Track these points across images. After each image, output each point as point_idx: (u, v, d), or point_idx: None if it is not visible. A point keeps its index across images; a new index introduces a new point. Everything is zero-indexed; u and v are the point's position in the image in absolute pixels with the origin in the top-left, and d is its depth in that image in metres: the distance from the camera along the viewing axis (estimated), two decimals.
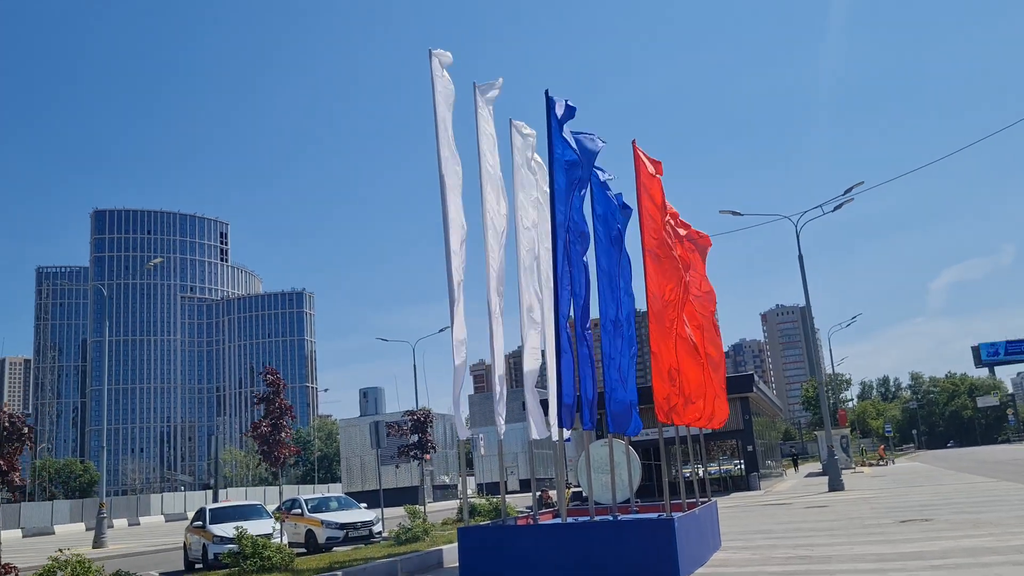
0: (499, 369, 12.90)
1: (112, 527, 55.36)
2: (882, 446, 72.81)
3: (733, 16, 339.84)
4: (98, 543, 31.34)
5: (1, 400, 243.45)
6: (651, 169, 13.34)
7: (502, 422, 13.09)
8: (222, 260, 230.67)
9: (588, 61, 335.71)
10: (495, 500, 25.49)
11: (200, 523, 18.68)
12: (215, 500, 50.03)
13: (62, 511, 55.06)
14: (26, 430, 11.36)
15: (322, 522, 20.14)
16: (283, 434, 14.65)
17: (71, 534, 49.05)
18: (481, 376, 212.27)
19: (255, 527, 15.33)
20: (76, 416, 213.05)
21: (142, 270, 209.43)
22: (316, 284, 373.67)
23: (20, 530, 50.58)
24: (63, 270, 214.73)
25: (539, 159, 15.01)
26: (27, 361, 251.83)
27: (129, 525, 57.59)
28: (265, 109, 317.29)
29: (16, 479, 11.00)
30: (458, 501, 27.73)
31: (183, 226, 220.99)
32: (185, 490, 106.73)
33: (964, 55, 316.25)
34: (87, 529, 47.62)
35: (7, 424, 10.78)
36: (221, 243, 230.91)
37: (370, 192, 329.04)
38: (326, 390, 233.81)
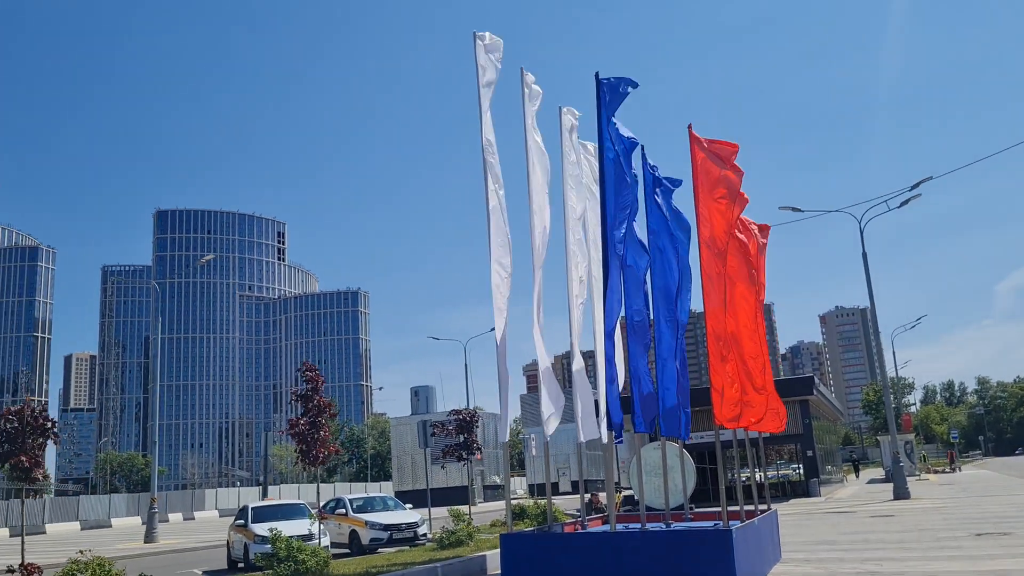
0: (544, 364, 12.22)
1: (167, 521, 56.03)
2: (952, 452, 70.30)
3: (789, 12, 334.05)
4: (149, 538, 31.45)
5: (69, 394, 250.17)
6: (710, 156, 12.49)
7: (549, 422, 12.41)
8: (279, 259, 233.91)
9: (640, 56, 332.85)
10: (544, 503, 24.80)
11: (242, 521, 18.37)
12: (263, 497, 50.20)
13: (119, 504, 55.88)
14: (49, 424, 11.01)
15: (366, 523, 19.69)
16: (322, 432, 14.15)
17: (127, 527, 49.68)
18: (535, 376, 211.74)
19: (292, 527, 14.90)
20: (139, 411, 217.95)
21: (202, 269, 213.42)
22: (370, 283, 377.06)
23: (79, 523, 51.42)
24: (127, 269, 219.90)
25: (589, 147, 14.31)
26: (93, 357, 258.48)
27: (184, 519, 58.22)
28: (322, 110, 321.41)
29: (40, 475, 10.67)
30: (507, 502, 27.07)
31: (242, 226, 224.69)
32: (240, 485, 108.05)
33: None
34: (143, 523, 48.11)
35: (30, 418, 10.44)
36: (279, 242, 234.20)
37: (425, 192, 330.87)
38: (380, 388, 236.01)
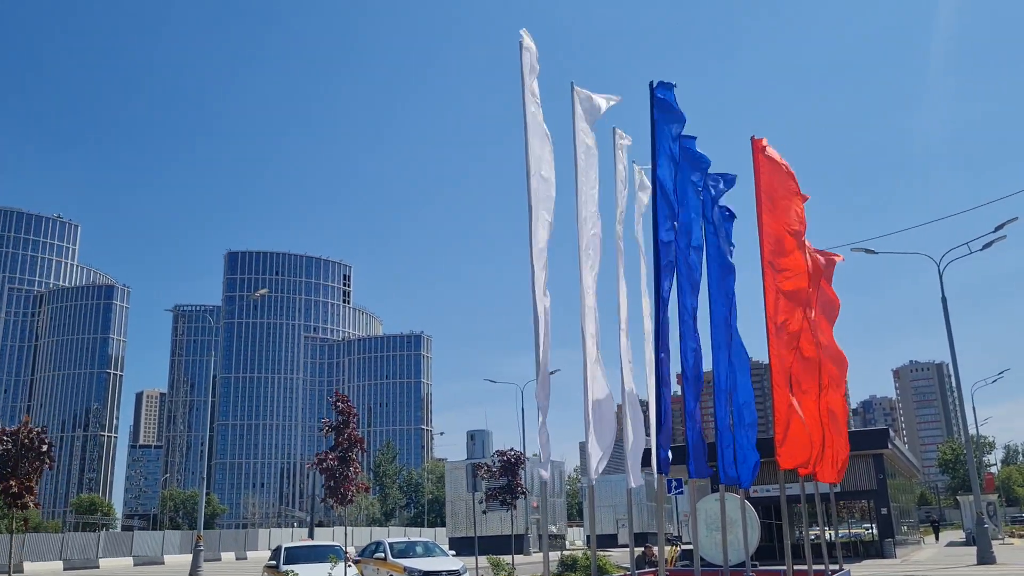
0: (592, 396, 11.14)
1: (219, 560, 55.64)
2: None
3: (835, 60, 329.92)
4: (193, 575, 30.90)
5: (138, 431, 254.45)
6: (777, 176, 11.40)
7: (595, 465, 11.31)
8: (344, 302, 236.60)
9: (704, 105, 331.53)
10: (600, 555, 23.51)
11: (274, 562, 17.56)
12: (310, 537, 49.43)
13: (173, 541, 55.72)
14: (45, 447, 10.24)
15: (405, 568, 18.67)
16: (352, 468, 13.24)
17: (178, 564, 49.34)
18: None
19: (313, 571, 13.99)
20: (204, 449, 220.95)
21: (269, 310, 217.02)
22: (432, 326, 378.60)
23: (132, 558, 51.31)
24: (198, 308, 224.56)
25: (642, 173, 13.35)
26: (162, 395, 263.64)
27: (236, 559, 57.78)
28: (390, 156, 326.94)
29: (31, 502, 9.93)
30: (560, 553, 25.81)
31: (308, 268, 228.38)
32: (296, 526, 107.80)
33: None
34: None
35: (26, 439, 9.69)
36: (344, 285, 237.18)
37: (486, 237, 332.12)
38: (442, 433, 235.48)
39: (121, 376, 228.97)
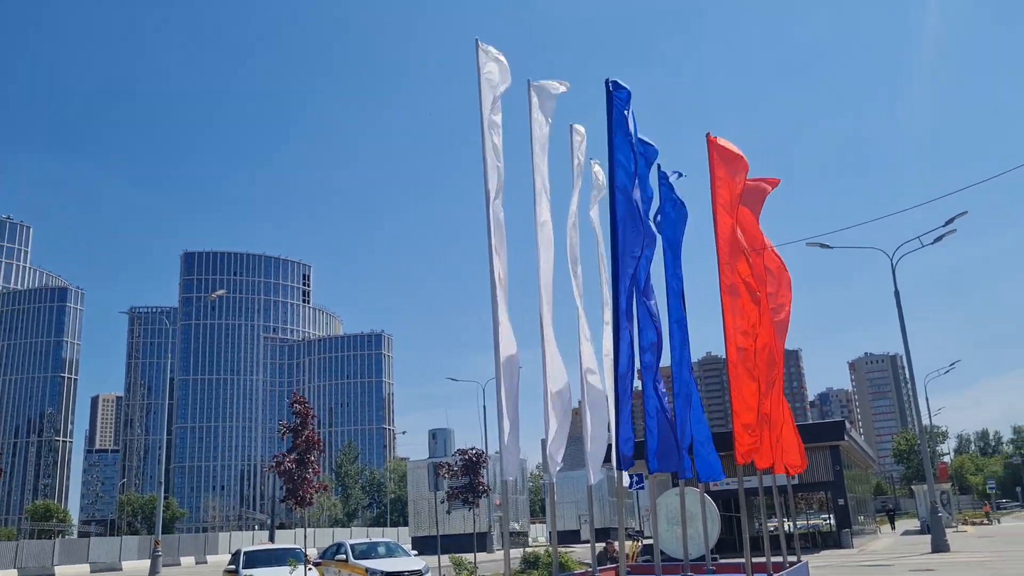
0: (552, 387, 11.13)
1: (178, 565, 54.85)
2: (987, 503, 67.66)
3: (817, 57, 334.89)
4: None
5: (94, 436, 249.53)
6: (734, 175, 11.47)
7: (554, 463, 11.30)
8: (304, 301, 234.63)
9: (665, 105, 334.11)
10: (561, 551, 23.53)
11: (233, 567, 17.35)
12: (270, 540, 48.91)
13: (131, 547, 54.80)
14: None
15: (366, 570, 18.53)
16: (310, 470, 13.10)
17: (137, 570, 48.57)
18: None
19: (274, 574, 13.83)
20: (161, 452, 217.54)
21: (227, 311, 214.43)
22: (393, 326, 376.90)
23: (89, 565, 50.40)
24: (154, 310, 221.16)
25: (599, 166, 13.37)
26: (119, 398, 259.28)
27: (196, 563, 57.01)
28: (349, 154, 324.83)
29: None
30: (523, 550, 25.82)
31: (267, 268, 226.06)
32: (257, 529, 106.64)
33: None
34: None
35: None
36: (303, 285, 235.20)
37: (445, 235, 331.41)
38: (403, 432, 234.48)
39: (76, 380, 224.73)
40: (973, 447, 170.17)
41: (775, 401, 11.89)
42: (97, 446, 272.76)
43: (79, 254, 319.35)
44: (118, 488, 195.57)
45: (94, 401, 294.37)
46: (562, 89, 11.19)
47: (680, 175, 12.28)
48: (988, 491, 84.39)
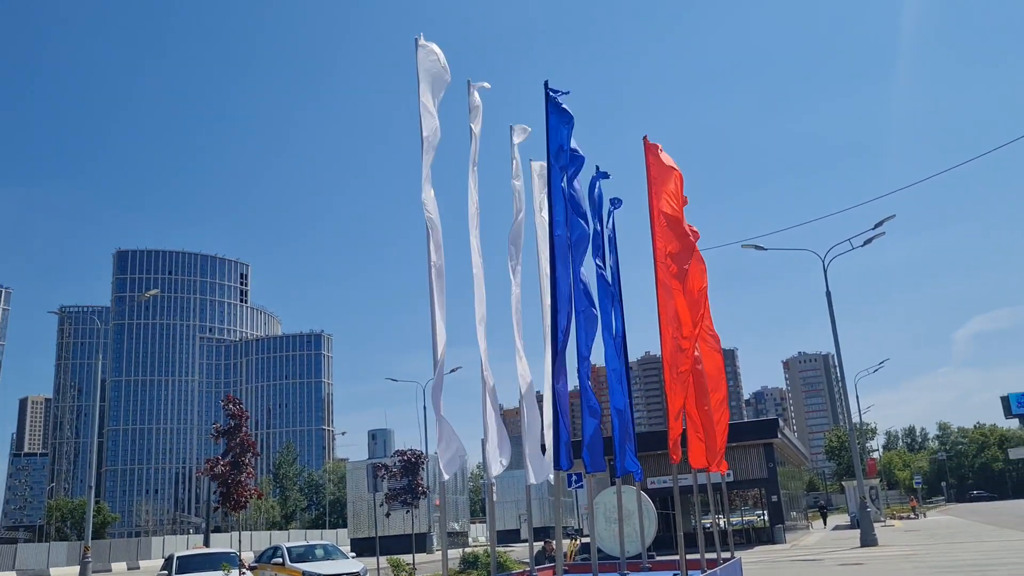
0: (490, 402, 11.17)
1: (109, 571, 53.57)
2: (913, 498, 69.75)
3: (749, 63, 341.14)
4: None
5: (23, 439, 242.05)
6: (668, 179, 11.65)
7: (494, 462, 11.33)
8: (242, 301, 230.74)
9: (601, 108, 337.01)
10: (500, 551, 23.61)
11: (166, 572, 17.01)
12: (205, 544, 48.10)
13: (59, 553, 53.28)
14: None
15: (303, 573, 18.33)
16: (245, 473, 12.88)
17: None
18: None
19: None
20: (92, 455, 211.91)
21: (162, 310, 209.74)
22: (334, 326, 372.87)
23: (15, 572, 48.90)
24: (85, 310, 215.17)
25: (538, 168, 13.46)
26: (48, 400, 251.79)
27: (128, 569, 55.74)
28: (286, 151, 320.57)
29: None
30: (462, 550, 25.83)
31: (204, 267, 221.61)
32: (192, 533, 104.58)
33: (987, 99, 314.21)
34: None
35: None
36: (241, 284, 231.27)
37: (388, 234, 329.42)
38: (343, 433, 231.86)
39: (1, 382, 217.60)
40: (901, 443, 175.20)
41: (713, 403, 12.12)
42: (25, 449, 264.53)
43: (5, 252, 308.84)
44: (47, 492, 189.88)
45: (22, 403, 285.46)
46: (486, 85, 11.21)
47: (606, 175, 12.42)
48: (915, 486, 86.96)
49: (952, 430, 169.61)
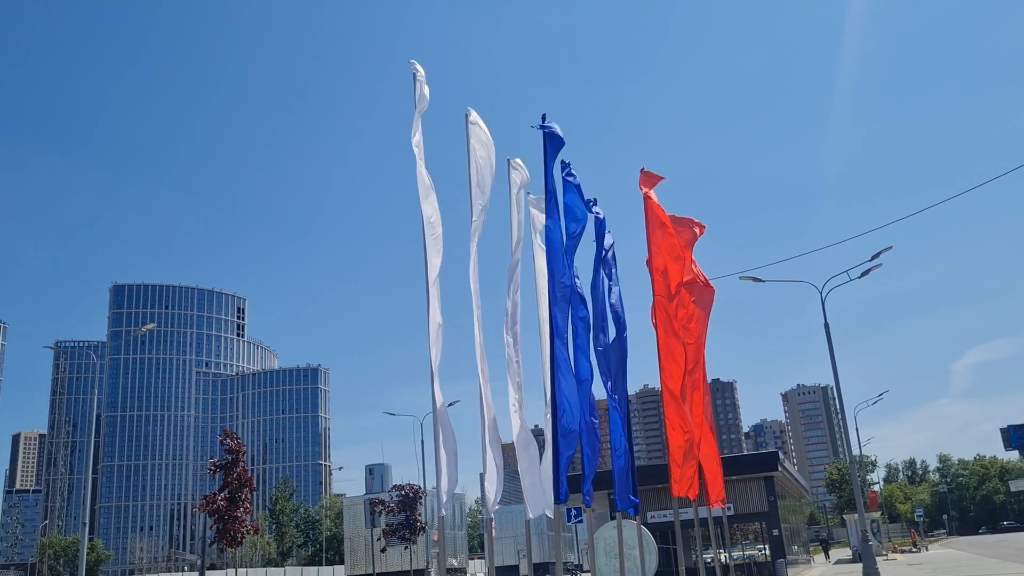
0: (488, 436, 11.13)
1: None
2: (914, 531, 69.16)
3: (747, 95, 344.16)
4: None
5: (15, 475, 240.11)
6: (664, 218, 11.71)
7: (491, 497, 11.25)
8: (238, 335, 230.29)
9: (599, 140, 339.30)
10: None
11: None
12: None
13: None
14: None
15: None
16: (242, 509, 12.74)
17: None
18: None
19: None
20: (87, 492, 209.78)
21: (158, 345, 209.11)
22: (331, 360, 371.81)
23: None
24: (80, 345, 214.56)
25: (533, 199, 13.52)
26: (42, 436, 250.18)
27: None
28: (281, 186, 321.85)
29: None
30: None
31: (200, 301, 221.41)
32: (187, 570, 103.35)
33: (977, 129, 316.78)
34: None
35: None
36: (238, 318, 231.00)
37: (381, 267, 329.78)
38: (340, 468, 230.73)
39: None
40: (901, 476, 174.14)
41: (707, 437, 12.08)
42: (18, 486, 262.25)
43: (1, 286, 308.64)
44: (39, 530, 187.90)
45: (15, 439, 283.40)
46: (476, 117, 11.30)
47: (594, 201, 12.44)
48: (916, 519, 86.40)
49: (952, 462, 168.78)
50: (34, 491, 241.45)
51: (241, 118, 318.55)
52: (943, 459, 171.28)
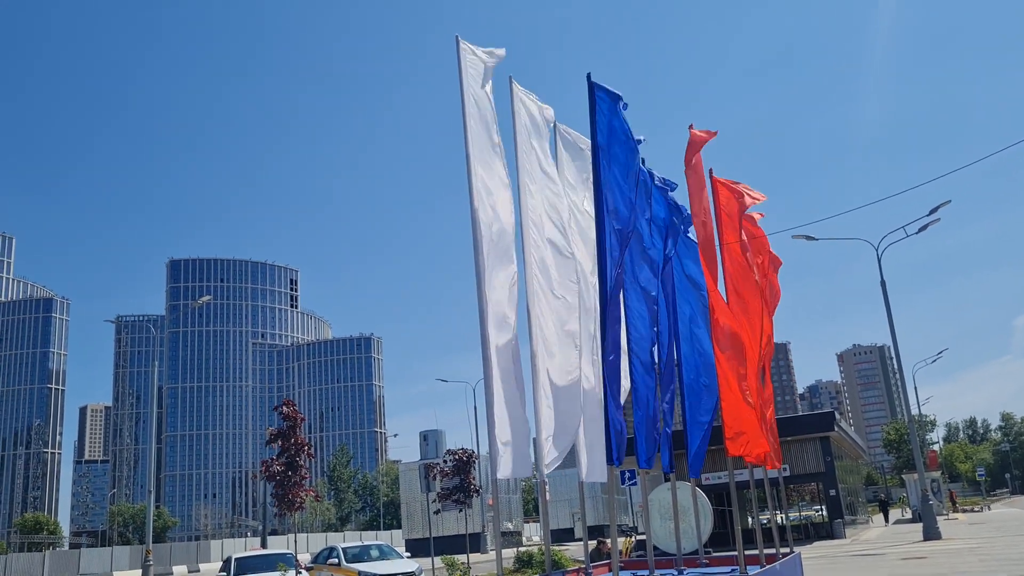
0: (543, 391, 11.02)
1: (171, 573, 54.56)
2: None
3: (797, 52, 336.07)
4: None
5: (84, 446, 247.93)
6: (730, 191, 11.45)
7: (545, 460, 11.19)
8: (292, 306, 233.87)
9: (646, 104, 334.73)
10: (555, 550, 23.52)
11: (225, 573, 17.23)
12: (263, 546, 48.71)
13: (122, 557, 54.47)
14: None
15: (359, 573, 18.42)
16: (300, 474, 12.97)
17: None
18: None
19: None
20: (152, 462, 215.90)
21: (215, 317, 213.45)
22: (383, 329, 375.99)
23: None
24: (141, 319, 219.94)
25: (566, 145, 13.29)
26: (107, 408, 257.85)
27: (189, 572, 56.72)
28: (333, 157, 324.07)
29: None
30: (516, 550, 25.75)
31: (254, 273, 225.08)
32: (250, 535, 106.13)
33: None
34: None
35: None
36: (291, 289, 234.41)
37: (431, 236, 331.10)
38: (395, 435, 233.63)
39: (63, 391, 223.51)
40: (962, 435, 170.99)
41: (765, 395, 11.88)
42: (86, 457, 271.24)
43: (64, 264, 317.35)
44: (108, 498, 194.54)
45: (82, 412, 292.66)
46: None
47: (641, 140, 12.08)
48: (978, 478, 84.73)
49: (1016, 420, 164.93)
50: (102, 461, 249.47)
51: (292, 90, 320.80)
52: (1006, 417, 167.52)
